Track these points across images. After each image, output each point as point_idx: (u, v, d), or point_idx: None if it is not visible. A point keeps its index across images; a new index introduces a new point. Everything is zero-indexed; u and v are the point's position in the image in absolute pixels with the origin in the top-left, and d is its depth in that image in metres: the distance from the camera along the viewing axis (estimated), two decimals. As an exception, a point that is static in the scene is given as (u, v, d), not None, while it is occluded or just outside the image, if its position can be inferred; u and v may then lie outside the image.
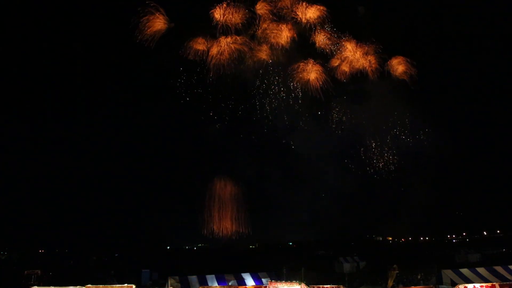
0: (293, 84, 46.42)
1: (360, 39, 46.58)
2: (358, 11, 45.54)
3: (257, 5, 43.00)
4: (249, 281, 25.30)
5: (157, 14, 41.88)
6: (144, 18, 40.90)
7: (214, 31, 41.01)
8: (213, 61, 42.28)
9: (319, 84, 46.55)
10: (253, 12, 43.08)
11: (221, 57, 42.21)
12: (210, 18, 41.76)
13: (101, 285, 20.97)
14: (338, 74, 46.87)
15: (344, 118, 51.89)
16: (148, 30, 41.42)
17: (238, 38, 42.40)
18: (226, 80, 43.27)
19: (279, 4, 43.20)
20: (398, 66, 47.74)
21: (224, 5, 41.71)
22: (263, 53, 43.89)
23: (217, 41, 41.88)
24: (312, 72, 47.20)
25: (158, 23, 41.75)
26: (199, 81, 44.20)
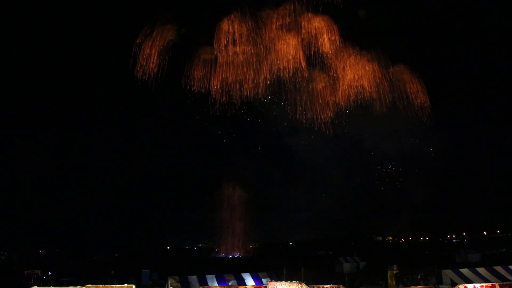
0: (302, 100, 46.31)
1: (363, 46, 46.61)
2: (359, 14, 45.59)
3: (263, 13, 43.07)
4: (249, 281, 25.31)
5: (168, 26, 42.07)
6: (144, 46, 41.09)
7: (222, 41, 41.20)
8: (221, 72, 42.33)
9: (328, 113, 46.44)
10: (260, 23, 43.15)
11: (229, 68, 42.31)
12: (219, 29, 42.08)
13: (101, 285, 20.95)
14: (342, 84, 46.77)
15: (346, 130, 51.67)
16: (159, 42, 41.55)
17: (245, 48, 42.52)
18: (233, 99, 43.38)
19: (285, 13, 43.26)
20: (401, 74, 47.67)
21: (232, 16, 41.93)
22: (269, 62, 43.85)
23: (225, 51, 42.02)
24: (319, 82, 47.15)
25: (170, 33, 41.95)
26: (206, 99, 44.34)
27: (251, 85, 43.24)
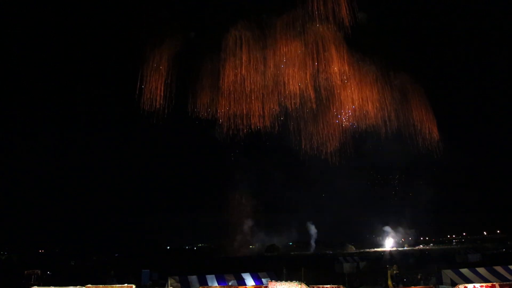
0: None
1: (365, 51, 46.52)
2: (359, 17, 45.35)
3: (269, 23, 43.04)
4: (249, 281, 25.26)
5: (175, 36, 42.28)
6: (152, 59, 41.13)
7: (229, 75, 41.30)
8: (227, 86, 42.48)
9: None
10: (266, 32, 43.14)
11: (234, 99, 42.49)
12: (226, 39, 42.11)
13: (101, 285, 20.96)
14: (347, 111, 46.69)
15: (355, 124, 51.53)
16: (166, 54, 41.66)
17: (251, 56, 42.55)
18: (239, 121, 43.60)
19: (291, 20, 43.15)
20: (403, 84, 47.58)
21: (238, 26, 41.99)
22: (276, 93, 43.95)
23: (232, 60, 42.12)
24: (326, 111, 47.26)
25: (178, 43, 42.15)
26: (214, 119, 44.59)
27: (257, 117, 43.62)
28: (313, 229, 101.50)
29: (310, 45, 42.82)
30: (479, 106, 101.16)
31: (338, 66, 42.44)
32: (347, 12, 39.16)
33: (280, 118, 45.46)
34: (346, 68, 42.49)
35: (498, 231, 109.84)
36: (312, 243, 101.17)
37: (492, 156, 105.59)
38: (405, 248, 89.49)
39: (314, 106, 44.11)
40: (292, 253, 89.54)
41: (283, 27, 43.35)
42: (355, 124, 46.86)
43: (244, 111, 43.17)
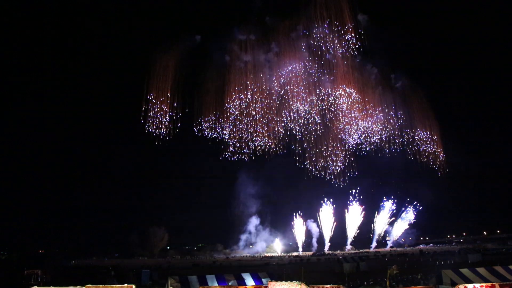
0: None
1: (366, 54, 46.70)
2: (359, 19, 45.43)
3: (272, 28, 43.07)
4: (249, 281, 25.21)
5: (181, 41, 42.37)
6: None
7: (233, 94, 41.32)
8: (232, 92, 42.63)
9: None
10: (269, 35, 43.33)
11: (240, 121, 42.72)
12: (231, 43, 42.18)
13: (101, 285, 20.97)
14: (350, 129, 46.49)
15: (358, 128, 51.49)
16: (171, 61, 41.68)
17: (256, 60, 42.79)
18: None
19: (294, 23, 43.32)
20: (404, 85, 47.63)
21: (245, 34, 42.32)
22: (281, 114, 44.11)
23: (237, 63, 42.41)
24: (330, 132, 47.48)
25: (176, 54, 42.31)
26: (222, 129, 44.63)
27: (261, 138, 44.03)
28: (314, 229, 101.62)
29: (314, 61, 43.05)
30: (478, 107, 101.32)
31: (342, 80, 42.62)
32: (352, 30, 39.26)
33: (285, 138, 45.61)
34: (352, 87, 42.59)
35: (498, 231, 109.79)
36: (314, 242, 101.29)
37: (492, 157, 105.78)
38: (405, 248, 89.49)
39: (318, 126, 44.34)
40: (293, 253, 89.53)
41: (286, 38, 43.64)
42: (359, 140, 47.00)
43: (249, 134, 43.54)
